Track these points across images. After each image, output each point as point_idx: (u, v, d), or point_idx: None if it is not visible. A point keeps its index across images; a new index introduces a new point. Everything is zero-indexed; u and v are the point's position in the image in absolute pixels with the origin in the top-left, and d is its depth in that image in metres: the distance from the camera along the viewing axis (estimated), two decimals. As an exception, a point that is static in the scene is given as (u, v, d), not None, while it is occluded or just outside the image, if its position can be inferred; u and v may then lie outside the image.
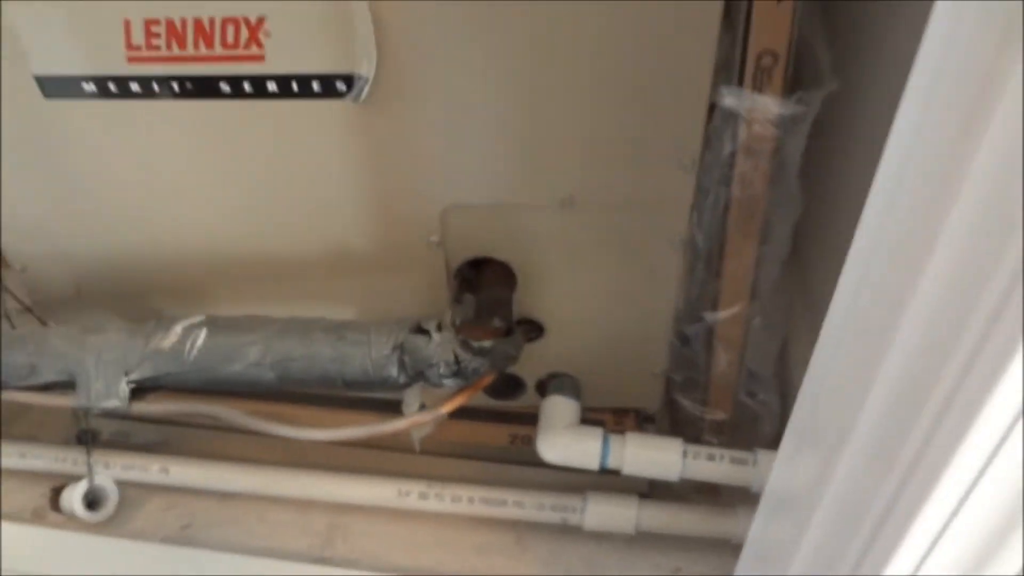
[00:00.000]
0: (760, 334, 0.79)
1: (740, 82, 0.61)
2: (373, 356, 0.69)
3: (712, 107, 0.63)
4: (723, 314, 0.75)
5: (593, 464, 0.76)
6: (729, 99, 0.61)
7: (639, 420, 0.86)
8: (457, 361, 0.68)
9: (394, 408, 0.76)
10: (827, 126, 0.64)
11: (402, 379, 0.68)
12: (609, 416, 0.85)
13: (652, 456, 0.76)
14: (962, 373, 0.36)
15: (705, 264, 0.73)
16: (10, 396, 0.77)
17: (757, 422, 0.84)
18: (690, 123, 0.63)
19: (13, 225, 0.81)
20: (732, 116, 0.62)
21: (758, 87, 0.60)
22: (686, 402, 0.83)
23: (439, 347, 0.68)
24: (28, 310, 0.87)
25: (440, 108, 0.64)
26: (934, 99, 0.36)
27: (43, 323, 0.84)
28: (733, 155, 0.64)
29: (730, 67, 0.62)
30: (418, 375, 0.69)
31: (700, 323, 0.76)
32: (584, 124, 0.64)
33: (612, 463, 0.76)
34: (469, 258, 0.73)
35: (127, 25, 0.61)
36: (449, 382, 0.69)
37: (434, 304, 0.75)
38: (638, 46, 0.59)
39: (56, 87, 0.66)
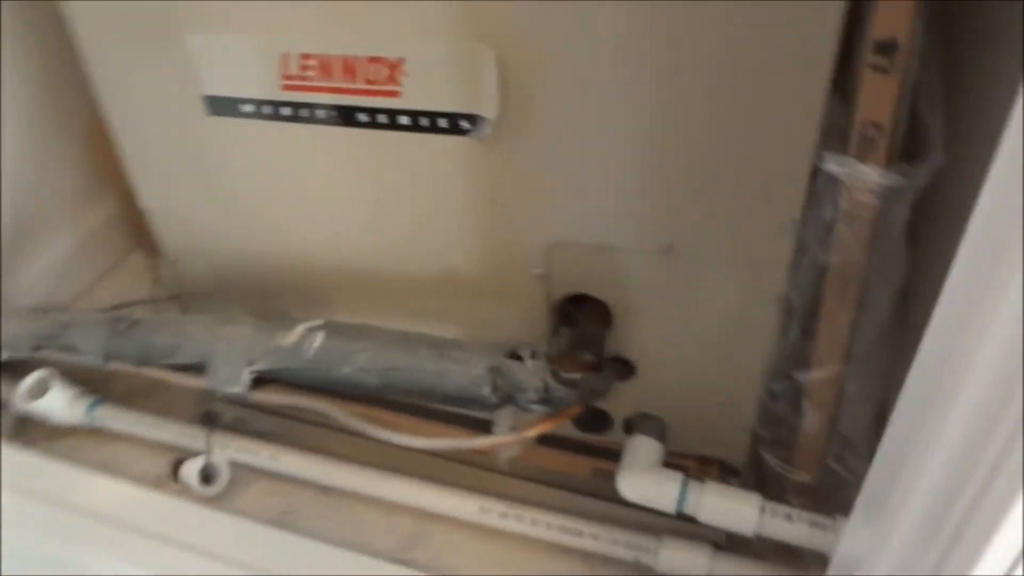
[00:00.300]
0: (854, 399, 0.79)
1: (845, 149, 0.63)
2: (469, 375, 0.74)
3: (816, 170, 0.65)
4: (814, 375, 0.76)
5: (669, 507, 0.78)
6: (832, 165, 0.63)
7: (723, 471, 0.87)
8: (546, 389, 0.73)
9: (484, 428, 0.82)
10: (944, 192, 0.65)
11: (493, 400, 0.73)
12: (693, 463, 0.87)
13: (728, 507, 0.77)
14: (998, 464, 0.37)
15: (799, 324, 0.74)
16: (150, 372, 0.87)
17: (845, 489, 0.83)
18: (793, 184, 0.65)
19: (171, 222, 0.92)
20: (834, 182, 0.64)
21: (861, 156, 0.62)
22: (772, 460, 0.83)
23: (530, 373, 0.73)
24: (174, 298, 0.98)
25: (556, 151, 0.69)
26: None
27: (185, 311, 0.94)
28: (833, 220, 0.66)
29: (837, 132, 0.64)
30: (508, 398, 0.74)
31: (790, 381, 0.77)
32: (689, 176, 0.67)
33: (689, 509, 0.78)
34: (569, 293, 0.78)
35: (285, 57, 0.70)
36: (536, 408, 0.74)
37: (531, 333, 0.79)
38: (745, 105, 0.63)
39: (219, 106, 0.76)
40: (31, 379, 0.92)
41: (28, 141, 1.06)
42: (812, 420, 0.80)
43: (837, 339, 0.74)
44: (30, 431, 0.95)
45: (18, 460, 0.90)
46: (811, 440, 0.82)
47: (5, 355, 0.93)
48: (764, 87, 0.62)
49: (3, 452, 0.90)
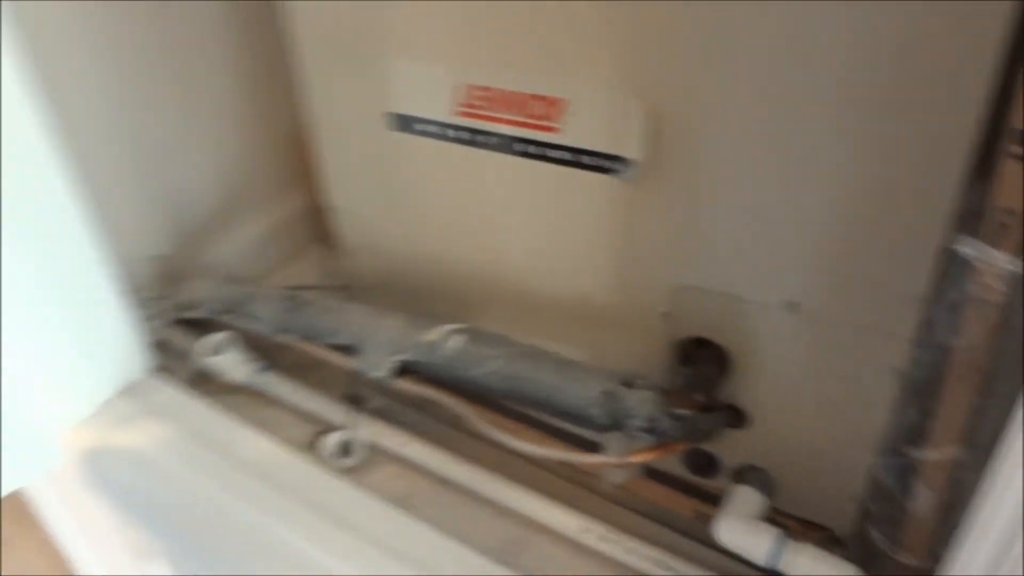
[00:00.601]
0: (972, 488, 0.78)
1: (978, 233, 0.65)
2: (584, 395, 0.81)
3: (950, 250, 0.67)
4: (928, 455, 0.76)
5: (761, 559, 0.81)
6: (963, 247, 0.65)
7: (826, 539, 0.89)
8: (654, 420, 0.78)
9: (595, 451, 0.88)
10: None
11: (601, 421, 0.80)
12: (796, 525, 0.89)
13: (821, 572, 0.79)
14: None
15: (918, 400, 0.75)
16: (311, 348, 1.00)
17: (955, 581, 0.82)
18: (923, 261, 0.68)
19: (351, 220, 1.06)
20: (965, 264, 0.66)
21: (994, 241, 0.64)
22: (877, 536, 0.84)
23: (640, 402, 0.79)
24: (343, 288, 1.12)
25: (697, 199, 0.76)
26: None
27: (350, 300, 1.07)
28: (961, 302, 0.68)
29: (976, 215, 0.66)
30: (616, 423, 0.80)
31: (904, 458, 0.78)
32: (821, 237, 0.71)
33: (781, 566, 0.80)
34: (692, 336, 0.83)
35: (459, 87, 0.81)
36: (642, 436, 0.79)
37: (649, 365, 0.85)
38: (883, 176, 0.66)
39: (398, 123, 0.89)
40: (215, 338, 1.07)
41: (242, 134, 1.24)
42: (923, 501, 0.80)
43: (956, 423, 0.75)
44: (205, 383, 1.10)
45: (193, 406, 1.05)
46: (921, 522, 0.82)
47: (197, 314, 1.10)
48: (902, 162, 0.65)
49: (182, 397, 1.07)
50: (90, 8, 1.01)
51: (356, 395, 1.03)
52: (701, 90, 0.70)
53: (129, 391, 1.07)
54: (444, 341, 0.89)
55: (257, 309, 1.05)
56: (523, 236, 0.89)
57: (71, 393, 1.03)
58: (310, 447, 1.03)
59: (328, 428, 1.03)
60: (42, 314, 0.96)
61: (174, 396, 1.07)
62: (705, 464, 0.91)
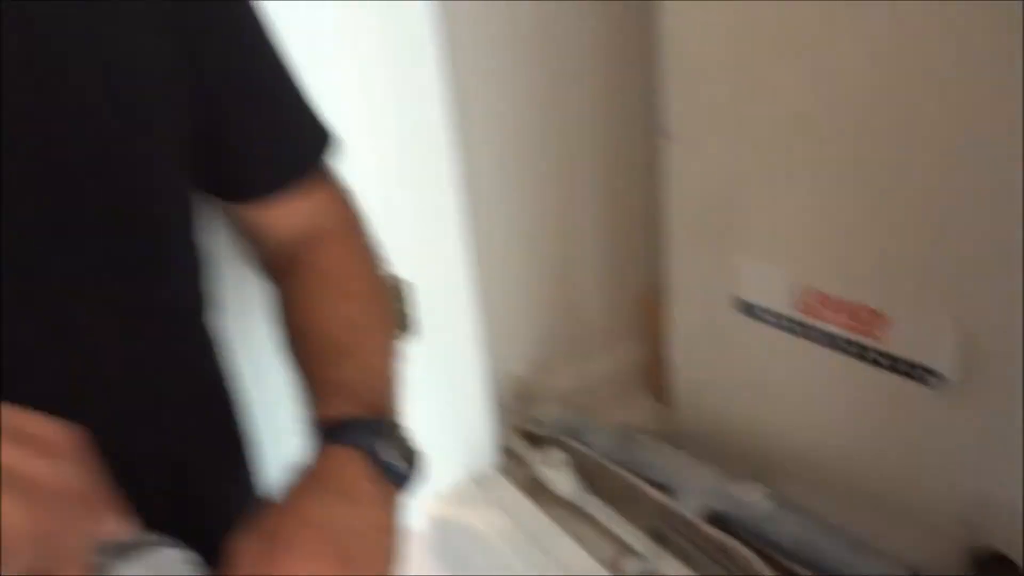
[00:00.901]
0: None
1: None
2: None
3: None
4: None
5: None
6: None
7: None
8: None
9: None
10: None
11: (882, 606, 0.91)
12: None
13: None
14: None
15: None
16: (631, 480, 1.21)
17: None
18: None
19: (687, 378, 1.27)
20: None
21: None
22: None
23: (924, 596, 0.89)
24: (668, 435, 1.32)
25: (1002, 418, 0.85)
26: None
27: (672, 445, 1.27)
28: None
29: None
30: (894, 611, 0.90)
31: None
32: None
33: None
34: (988, 546, 0.91)
35: (797, 287, 0.99)
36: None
37: (939, 565, 0.94)
38: None
39: (742, 306, 1.09)
40: (552, 454, 1.32)
41: (603, 286, 1.53)
42: None
43: None
44: (536, 489, 1.34)
45: (525, 505, 1.29)
46: None
47: (541, 430, 1.37)
48: None
49: (518, 496, 1.32)
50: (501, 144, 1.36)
51: (661, 531, 1.21)
52: (1016, 319, 0.82)
53: (478, 480, 1.35)
54: (752, 499, 1.05)
55: (591, 437, 1.29)
56: (835, 422, 1.04)
57: (436, 469, 1.32)
58: (613, 566, 1.22)
59: (631, 553, 1.22)
60: (430, 399, 1.27)
61: (512, 493, 1.32)
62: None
